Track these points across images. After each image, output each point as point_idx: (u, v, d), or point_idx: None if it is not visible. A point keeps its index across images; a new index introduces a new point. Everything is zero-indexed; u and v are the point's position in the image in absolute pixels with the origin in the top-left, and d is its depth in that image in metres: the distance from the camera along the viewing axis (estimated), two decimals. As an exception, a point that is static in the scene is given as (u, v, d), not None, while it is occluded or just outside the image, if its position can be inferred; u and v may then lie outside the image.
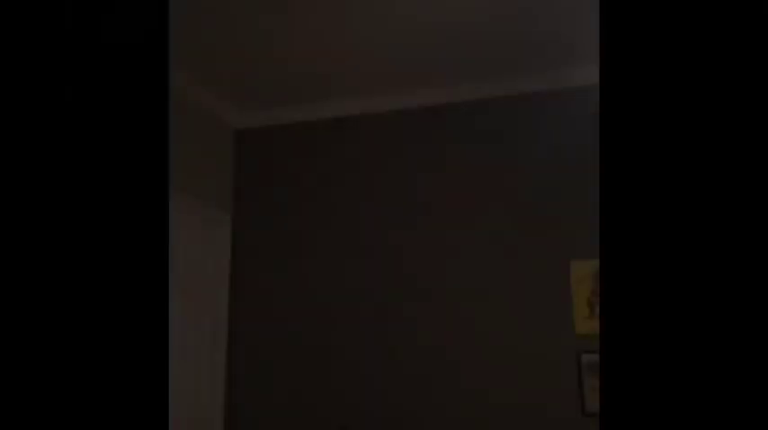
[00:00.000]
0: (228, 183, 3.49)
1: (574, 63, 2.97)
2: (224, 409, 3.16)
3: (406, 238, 3.13)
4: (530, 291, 2.91)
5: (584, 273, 2.83)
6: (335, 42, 2.78)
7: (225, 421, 3.15)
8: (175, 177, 2.94)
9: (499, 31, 2.70)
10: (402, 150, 3.25)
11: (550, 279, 2.89)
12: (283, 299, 3.23)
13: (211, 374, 3.20)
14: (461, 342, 2.94)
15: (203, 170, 3.27)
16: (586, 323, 2.77)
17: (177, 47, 2.76)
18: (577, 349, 2.76)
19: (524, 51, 2.87)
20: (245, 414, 3.14)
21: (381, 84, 3.19)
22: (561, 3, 2.50)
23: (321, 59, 2.94)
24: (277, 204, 3.38)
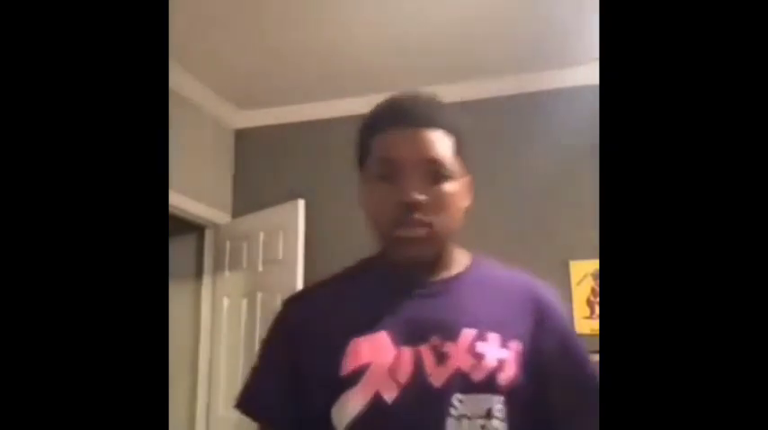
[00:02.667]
0: (228, 183, 3.48)
1: (574, 63, 2.97)
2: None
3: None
4: (530, 291, 2.90)
5: (584, 273, 2.83)
6: (336, 42, 2.78)
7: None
8: (175, 177, 2.94)
9: (499, 30, 2.69)
10: (402, 150, 3.24)
11: (550, 279, 2.87)
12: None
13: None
14: (461, 342, 2.94)
15: (203, 170, 3.27)
16: (586, 323, 2.77)
17: (177, 47, 2.76)
18: (577, 349, 2.76)
19: (524, 51, 2.87)
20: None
21: (381, 83, 3.19)
22: (561, 3, 2.50)
23: (321, 59, 2.93)
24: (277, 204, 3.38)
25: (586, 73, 2.99)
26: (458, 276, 0.95)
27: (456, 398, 0.79)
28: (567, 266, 2.86)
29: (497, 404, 0.81)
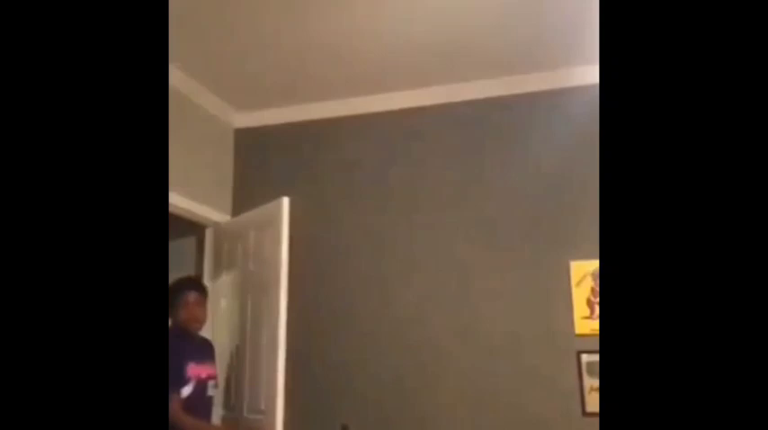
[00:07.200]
0: (228, 183, 3.48)
1: (574, 63, 2.97)
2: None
3: (406, 238, 3.13)
4: (530, 291, 2.90)
5: (584, 274, 2.83)
6: (335, 42, 2.78)
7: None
8: (175, 177, 2.94)
9: (499, 30, 2.69)
10: (402, 150, 3.25)
11: (550, 279, 2.88)
12: (283, 299, 3.22)
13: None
14: (461, 341, 2.94)
15: (203, 170, 3.27)
16: (586, 323, 2.77)
17: (177, 47, 2.76)
18: (577, 349, 2.76)
19: (525, 51, 2.87)
20: (245, 414, 3.12)
21: (381, 83, 3.19)
22: (562, 3, 2.50)
23: (321, 59, 2.93)
24: (277, 204, 3.38)
25: (586, 73, 2.99)
26: None
27: None
28: (567, 266, 2.86)
29: None
